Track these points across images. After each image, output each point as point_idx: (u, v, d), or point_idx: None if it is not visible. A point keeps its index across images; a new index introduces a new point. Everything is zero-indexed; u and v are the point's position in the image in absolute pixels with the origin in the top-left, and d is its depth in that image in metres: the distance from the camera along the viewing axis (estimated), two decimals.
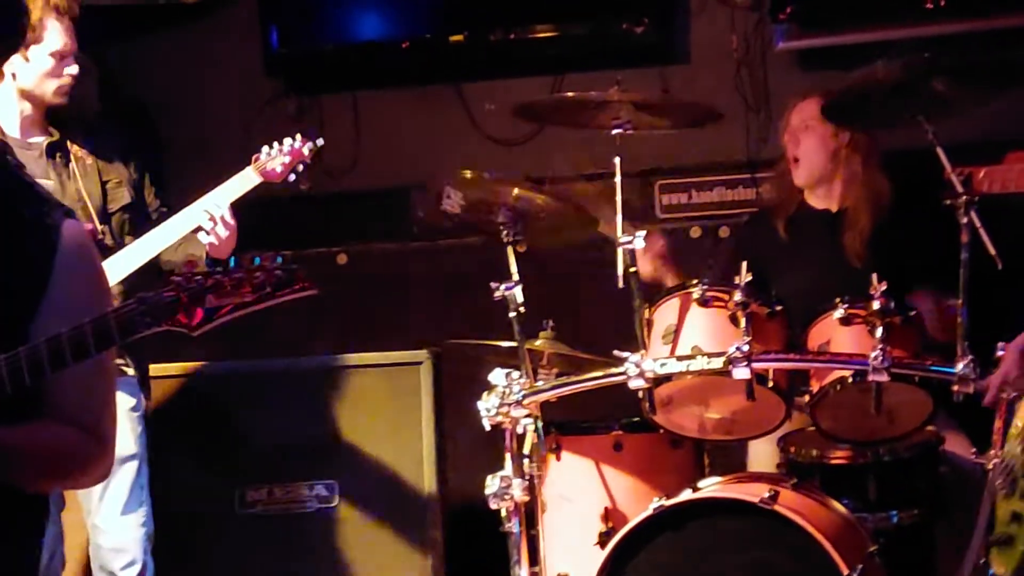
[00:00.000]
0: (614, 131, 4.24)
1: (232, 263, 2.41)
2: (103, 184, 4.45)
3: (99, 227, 4.37)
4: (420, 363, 5.01)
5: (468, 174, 4.25)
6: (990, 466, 3.71)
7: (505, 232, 4.23)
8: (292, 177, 4.50)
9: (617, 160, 4.19)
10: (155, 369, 4.73)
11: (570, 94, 4.62)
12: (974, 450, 3.95)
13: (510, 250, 4.23)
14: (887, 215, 4.61)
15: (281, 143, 4.51)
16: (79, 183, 4.37)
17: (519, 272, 4.19)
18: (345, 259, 5.83)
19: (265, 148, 4.50)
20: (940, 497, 4.11)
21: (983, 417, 3.81)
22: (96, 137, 4.49)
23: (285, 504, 5.01)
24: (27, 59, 4.23)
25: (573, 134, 4.78)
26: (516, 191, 4.20)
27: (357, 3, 5.76)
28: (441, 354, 5.04)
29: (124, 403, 4.36)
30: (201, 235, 4.38)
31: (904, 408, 3.95)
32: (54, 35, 4.25)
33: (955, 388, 3.76)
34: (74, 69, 4.33)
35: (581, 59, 5.53)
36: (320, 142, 4.54)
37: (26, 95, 4.32)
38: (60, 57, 4.28)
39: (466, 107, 5.74)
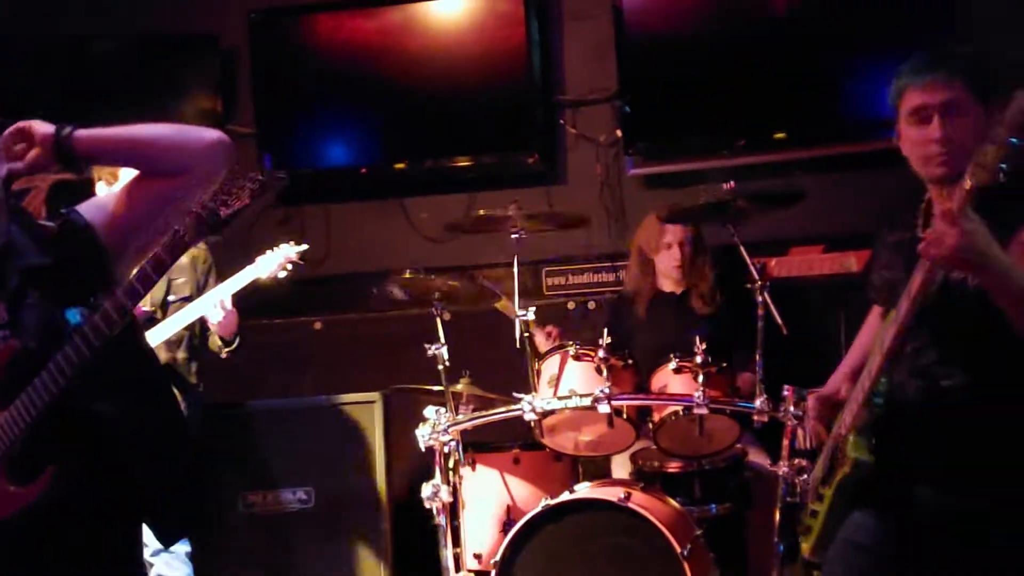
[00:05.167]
0: (513, 235, 4.31)
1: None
2: (169, 280, 4.32)
3: (148, 309, 4.24)
4: (374, 402, 4.95)
5: (407, 274, 4.29)
6: (780, 472, 3.70)
7: (434, 307, 4.24)
8: (283, 274, 4.40)
9: (515, 255, 4.27)
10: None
11: (481, 212, 4.59)
12: (769, 460, 4.00)
13: (438, 320, 4.23)
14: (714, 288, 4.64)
15: (277, 248, 4.42)
16: None
17: (445, 336, 4.19)
18: (320, 326, 5.70)
19: (267, 252, 4.41)
20: (745, 494, 4.13)
21: (775, 437, 3.82)
22: None
23: (274, 506, 4.93)
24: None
25: (485, 236, 4.81)
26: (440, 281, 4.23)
27: (328, 138, 5.69)
28: (390, 396, 4.96)
29: None
30: (212, 316, 4.30)
31: (719, 432, 4.00)
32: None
33: (755, 418, 3.80)
34: None
35: (490, 181, 5.48)
36: (305, 246, 4.48)
37: None
38: None
39: (407, 216, 5.67)
